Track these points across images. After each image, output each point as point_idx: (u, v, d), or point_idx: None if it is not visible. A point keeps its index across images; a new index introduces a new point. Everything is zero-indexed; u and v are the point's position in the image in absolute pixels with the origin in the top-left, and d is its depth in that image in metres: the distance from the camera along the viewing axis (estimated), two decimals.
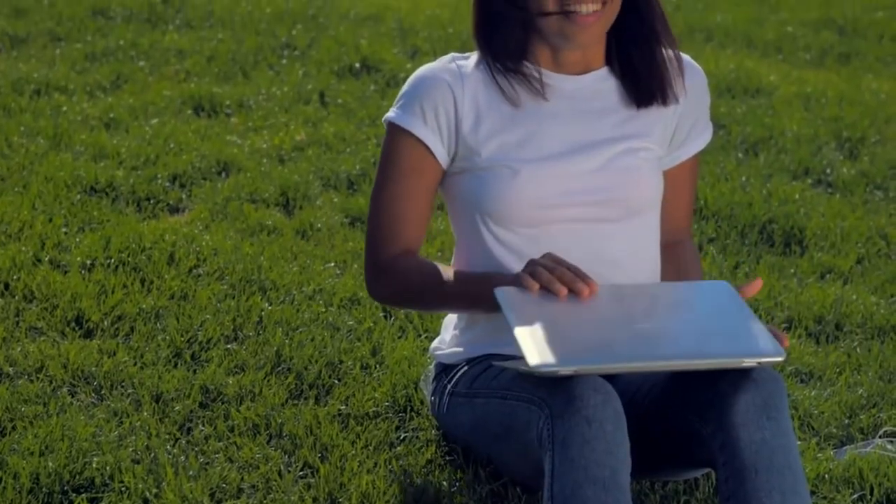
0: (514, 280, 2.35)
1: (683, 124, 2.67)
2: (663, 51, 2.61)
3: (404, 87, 2.60)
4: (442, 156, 2.56)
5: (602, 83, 2.62)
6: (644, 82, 2.58)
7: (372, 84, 6.24)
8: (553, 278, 2.30)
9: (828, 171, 5.43)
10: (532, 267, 2.33)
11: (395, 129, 2.57)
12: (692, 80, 2.67)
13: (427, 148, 2.55)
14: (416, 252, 2.63)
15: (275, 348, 3.47)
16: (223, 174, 4.95)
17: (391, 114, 2.59)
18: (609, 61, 2.63)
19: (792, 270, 4.41)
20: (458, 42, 7.06)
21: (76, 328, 3.60)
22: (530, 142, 2.54)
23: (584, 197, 2.55)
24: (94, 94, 5.80)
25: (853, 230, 4.73)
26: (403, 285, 2.60)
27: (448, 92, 2.54)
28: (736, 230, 4.69)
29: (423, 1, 8.69)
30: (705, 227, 4.67)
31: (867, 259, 4.56)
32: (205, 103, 5.73)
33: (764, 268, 4.39)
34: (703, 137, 2.72)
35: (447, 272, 2.55)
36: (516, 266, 2.53)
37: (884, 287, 4.32)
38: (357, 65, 6.46)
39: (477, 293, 2.48)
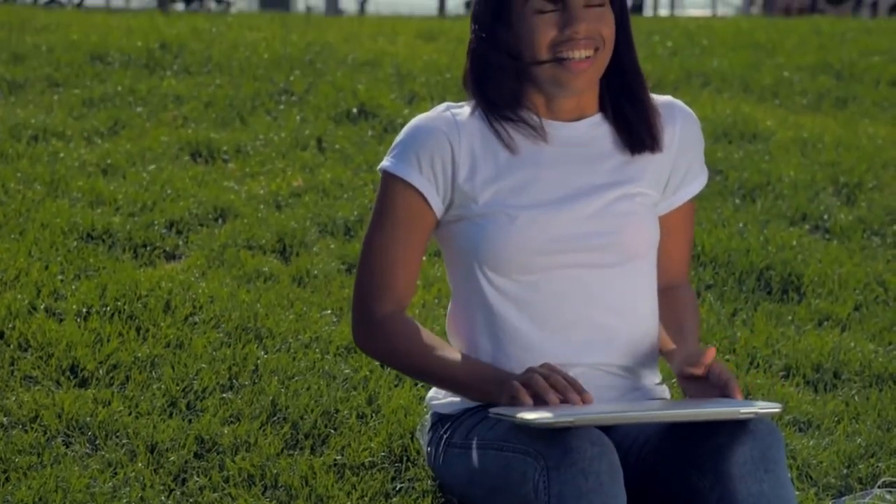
0: (508, 388, 2.35)
1: (678, 169, 2.67)
2: (651, 97, 2.63)
3: (399, 136, 2.60)
4: (437, 204, 2.56)
5: (596, 129, 2.62)
6: (636, 128, 2.59)
7: (369, 130, 6.25)
8: (547, 387, 2.31)
9: (825, 216, 5.43)
10: (528, 375, 2.34)
11: (389, 178, 2.57)
12: (685, 124, 2.67)
13: (422, 196, 2.55)
14: (407, 304, 2.62)
15: (270, 397, 3.45)
16: (220, 220, 4.94)
17: (386, 162, 2.59)
18: (602, 108, 2.64)
19: (790, 317, 4.40)
20: (455, 87, 7.08)
21: (71, 377, 3.59)
22: (526, 188, 2.55)
23: (581, 242, 2.54)
24: (91, 140, 5.81)
25: (851, 277, 4.73)
26: (389, 348, 2.59)
27: (444, 141, 2.54)
28: (733, 277, 4.68)
29: (420, 47, 8.73)
30: (703, 274, 4.66)
31: (865, 306, 4.55)
32: (202, 149, 5.74)
33: (761, 315, 4.38)
34: (697, 182, 2.72)
35: (439, 349, 2.54)
36: (514, 313, 2.53)
37: (882, 334, 4.30)
38: (354, 110, 6.47)
39: (465, 384, 2.49)
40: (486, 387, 2.47)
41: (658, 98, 2.67)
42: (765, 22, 13.30)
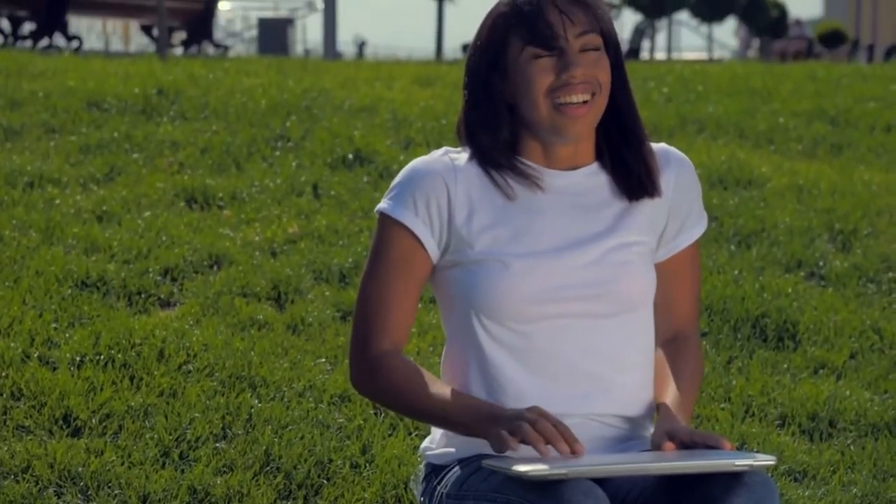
0: (496, 439, 2.34)
1: (676, 216, 2.66)
2: (648, 144, 2.62)
3: (397, 179, 2.59)
4: (432, 249, 2.55)
5: (593, 178, 2.61)
6: (634, 173, 2.59)
7: (365, 176, 6.26)
8: (538, 437, 2.30)
9: (820, 263, 5.43)
10: (517, 423, 2.33)
11: (386, 220, 2.57)
12: (680, 170, 2.66)
13: (418, 240, 2.54)
14: (403, 346, 2.61)
15: (264, 447, 3.44)
16: (215, 267, 4.94)
17: (383, 204, 2.58)
18: (599, 157, 2.63)
19: (785, 365, 4.39)
20: (451, 133, 7.08)
21: (64, 426, 3.57)
22: (523, 236, 2.54)
23: (577, 292, 2.53)
24: (87, 187, 5.81)
25: (846, 324, 4.72)
26: (386, 387, 2.57)
27: (441, 185, 2.53)
28: (729, 324, 4.67)
29: (417, 92, 8.76)
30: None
31: (861, 354, 4.54)
32: (198, 195, 5.74)
33: (757, 363, 4.38)
34: (697, 227, 2.70)
35: (433, 385, 2.53)
36: (508, 362, 2.52)
37: (877, 382, 4.30)
38: (350, 156, 6.48)
39: (457, 420, 2.47)
40: (479, 423, 2.46)
41: (653, 146, 2.67)
42: (760, 67, 13.36)
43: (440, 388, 2.54)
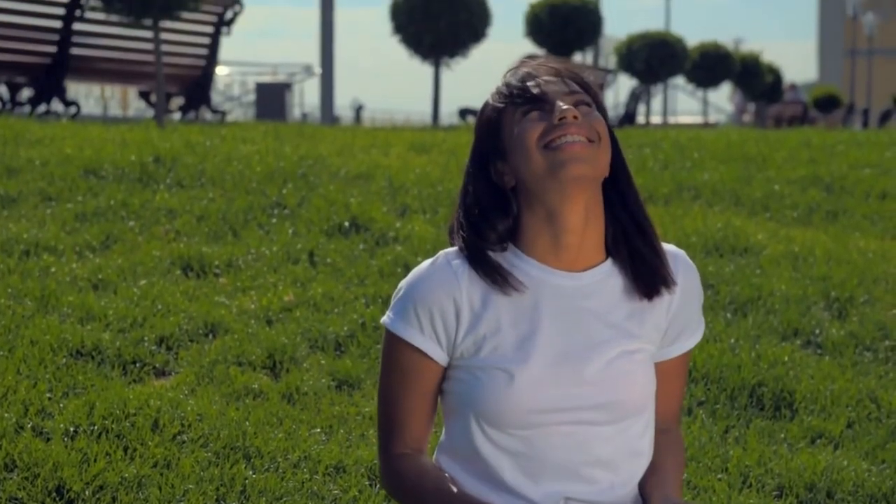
0: None
1: (677, 321, 2.63)
2: (658, 240, 2.59)
3: (399, 292, 2.56)
4: (441, 357, 2.53)
5: (602, 280, 2.57)
6: (652, 271, 2.55)
7: (361, 243, 6.26)
8: None
9: (817, 331, 5.42)
10: None
11: (391, 335, 2.56)
12: (686, 276, 2.63)
13: (425, 354, 2.53)
14: (424, 444, 2.60)
15: None
16: (210, 336, 4.93)
17: (387, 319, 2.56)
18: (609, 254, 2.59)
19: (782, 435, 4.37)
20: (447, 199, 7.10)
21: (57, 498, 3.55)
22: (526, 344, 2.50)
23: (580, 402, 2.50)
24: (83, 255, 5.81)
25: (843, 393, 4.71)
26: (397, 485, 2.58)
27: (447, 299, 2.49)
28: (725, 393, 4.66)
29: (413, 159, 8.78)
30: (695, 390, 4.64)
31: (858, 423, 4.53)
32: (194, 263, 5.74)
33: (754, 432, 4.36)
34: (696, 335, 2.68)
35: (439, 486, 2.53)
36: (506, 464, 2.50)
37: (875, 452, 4.27)
38: (346, 223, 6.49)
39: None
40: None
41: (664, 246, 2.63)
42: (755, 134, 13.41)
43: (447, 488, 2.53)
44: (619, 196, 2.54)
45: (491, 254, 2.51)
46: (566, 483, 2.50)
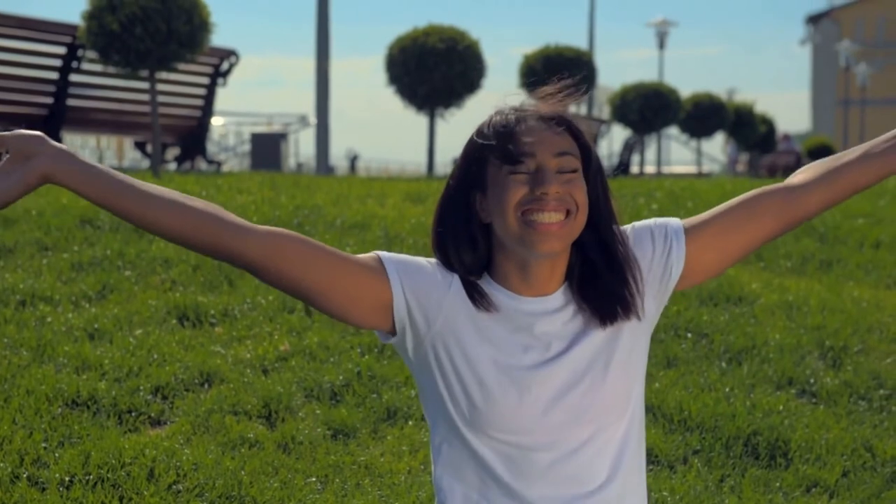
0: None
1: (657, 268, 2.64)
2: (623, 266, 2.60)
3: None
4: (392, 297, 2.53)
5: (567, 304, 2.60)
6: (614, 299, 2.58)
7: None
8: None
9: (811, 380, 5.43)
10: None
11: (376, 257, 2.56)
12: (637, 241, 2.66)
13: (386, 281, 2.52)
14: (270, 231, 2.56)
15: None
16: (206, 385, 4.93)
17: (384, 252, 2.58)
18: (568, 278, 2.62)
19: (777, 484, 4.37)
20: None
21: None
22: (503, 365, 2.53)
23: (562, 417, 2.54)
24: (79, 304, 5.81)
25: (838, 442, 4.71)
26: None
27: (440, 284, 2.54)
28: (720, 442, 4.66)
29: (408, 209, 8.80)
30: (689, 439, 4.64)
31: (853, 472, 4.53)
32: (189, 313, 5.75)
33: (749, 481, 4.36)
34: (672, 232, 2.69)
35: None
36: (495, 461, 2.53)
37: (870, 501, 4.28)
38: None
39: None
40: None
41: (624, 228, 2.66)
42: (748, 184, 13.47)
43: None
44: (595, 235, 2.57)
45: (465, 271, 2.56)
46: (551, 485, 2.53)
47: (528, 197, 2.45)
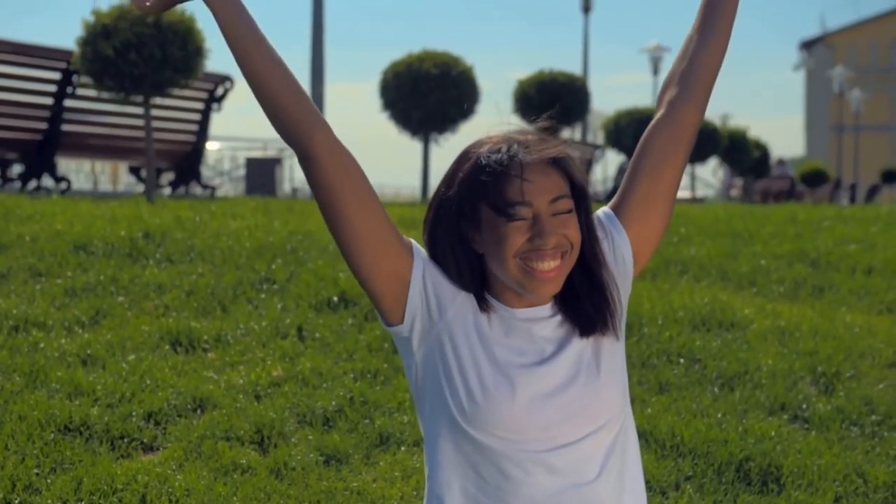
0: None
1: (621, 242, 2.68)
2: (605, 282, 2.64)
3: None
4: (411, 264, 2.55)
5: (556, 316, 2.65)
6: (593, 315, 2.62)
7: (350, 318, 6.28)
8: None
9: (803, 406, 5.44)
10: None
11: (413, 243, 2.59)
12: (609, 225, 2.70)
13: (408, 252, 2.55)
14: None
15: None
16: (198, 411, 4.94)
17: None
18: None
19: None
20: None
21: None
22: (500, 363, 2.56)
23: (556, 414, 2.56)
24: (72, 330, 5.82)
25: (830, 468, 4.72)
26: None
27: (453, 287, 2.57)
28: (713, 468, 4.67)
29: (404, 233, 8.82)
30: (682, 465, 4.65)
31: (845, 497, 4.53)
32: (183, 339, 5.75)
33: None
34: (618, 231, 2.73)
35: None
36: (491, 468, 2.55)
37: None
38: (335, 298, 6.50)
39: None
40: None
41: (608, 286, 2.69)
42: (742, 209, 13.49)
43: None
44: (581, 261, 2.60)
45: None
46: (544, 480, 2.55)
47: (527, 247, 2.49)
